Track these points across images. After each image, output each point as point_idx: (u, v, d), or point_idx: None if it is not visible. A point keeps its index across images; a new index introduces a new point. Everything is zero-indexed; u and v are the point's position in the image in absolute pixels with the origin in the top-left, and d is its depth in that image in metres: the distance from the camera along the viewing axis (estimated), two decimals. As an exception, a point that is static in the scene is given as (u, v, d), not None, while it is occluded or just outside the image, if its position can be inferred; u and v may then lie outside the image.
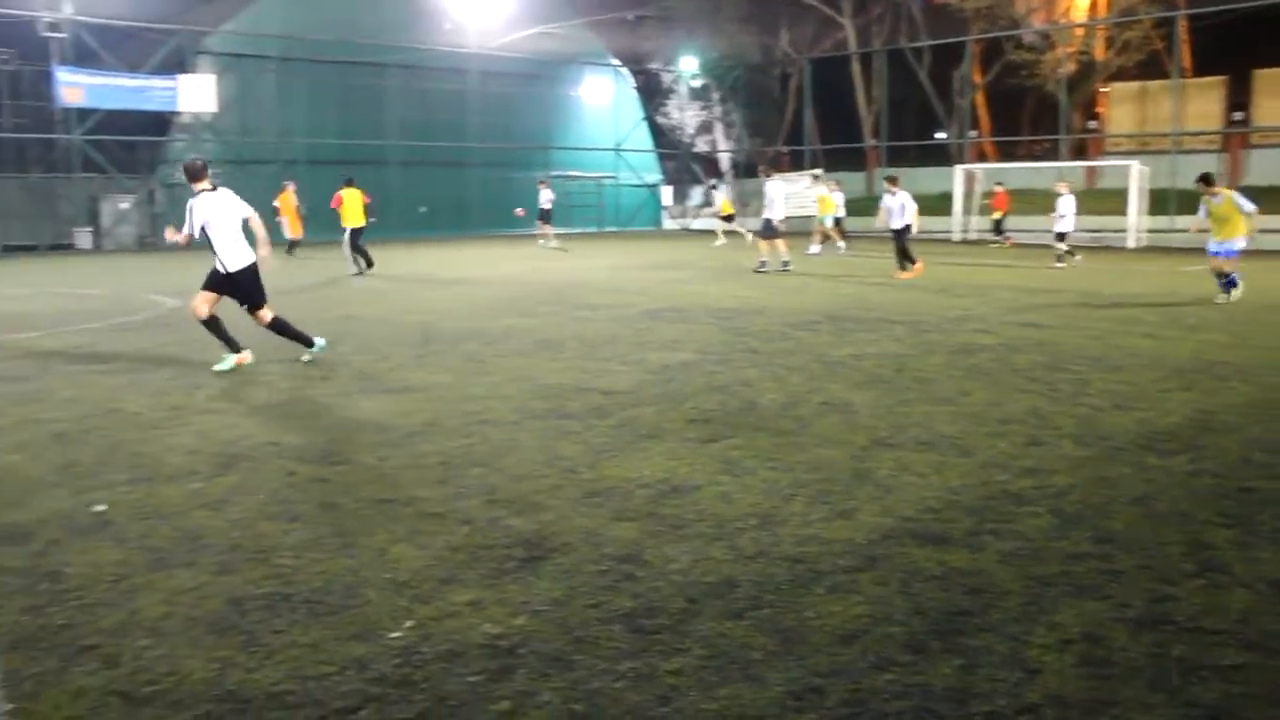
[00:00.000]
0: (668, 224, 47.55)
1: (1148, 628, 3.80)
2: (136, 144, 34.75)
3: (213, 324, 9.60)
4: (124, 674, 3.51)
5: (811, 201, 39.20)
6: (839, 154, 44.29)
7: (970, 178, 34.90)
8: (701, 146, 51.16)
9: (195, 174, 9.58)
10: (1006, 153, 43.94)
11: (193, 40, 34.23)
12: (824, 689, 3.35)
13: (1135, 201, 29.95)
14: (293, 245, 26.15)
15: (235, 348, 9.68)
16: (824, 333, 11.78)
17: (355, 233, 21.08)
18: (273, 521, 5.10)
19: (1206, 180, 14.92)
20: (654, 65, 48.80)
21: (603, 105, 45.21)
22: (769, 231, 20.83)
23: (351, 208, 21.00)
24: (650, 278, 19.97)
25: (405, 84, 38.31)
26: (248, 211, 9.64)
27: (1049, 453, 6.36)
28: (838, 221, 29.37)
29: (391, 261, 25.39)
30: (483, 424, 7.21)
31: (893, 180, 20.07)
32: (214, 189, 9.54)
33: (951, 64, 43.29)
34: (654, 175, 47.65)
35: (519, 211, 30.57)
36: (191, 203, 9.46)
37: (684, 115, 50.33)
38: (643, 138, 47.10)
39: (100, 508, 5.36)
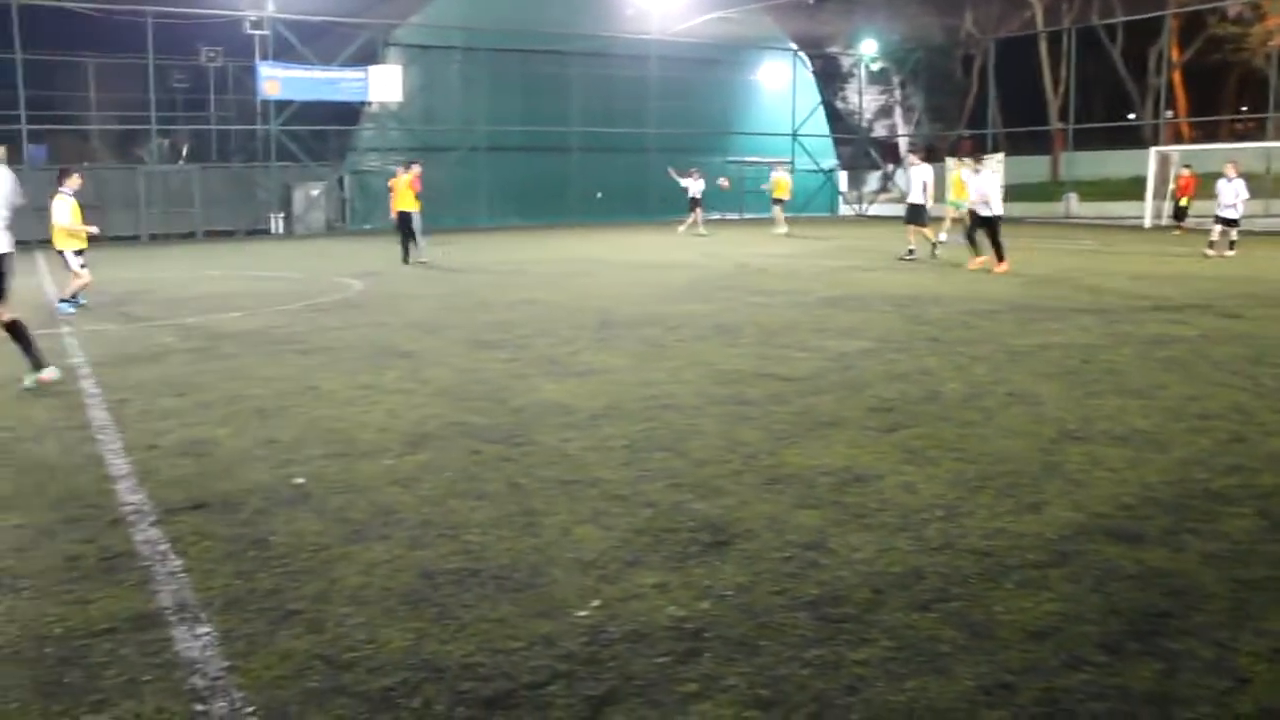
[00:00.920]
0: (844, 210, 46.88)
1: (1367, 639, 3.60)
2: (327, 133, 36.33)
3: None
4: (327, 639, 3.68)
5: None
6: (1023, 137, 42.85)
7: (1165, 160, 33.25)
8: (880, 131, 50.21)
9: None
10: (1207, 133, 41.67)
11: (382, 33, 35.54)
12: (1015, 686, 3.29)
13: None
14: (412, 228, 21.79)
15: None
16: (1006, 321, 11.46)
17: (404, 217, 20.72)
18: (461, 499, 5.27)
19: None
20: (832, 49, 48.10)
21: (780, 90, 44.80)
22: (916, 217, 20.30)
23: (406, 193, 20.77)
24: (827, 264, 19.76)
25: (586, 70, 38.86)
26: (20, 200, 8.42)
27: (1254, 450, 6.04)
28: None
29: (567, 247, 25.82)
30: (664, 408, 7.29)
31: (975, 159, 19.29)
32: None
33: (1148, 41, 41.29)
34: (830, 160, 47.03)
35: (724, 183, 30.79)
36: None
37: (862, 100, 49.51)
38: (820, 123, 46.50)
39: (300, 480, 5.63)
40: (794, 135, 44.99)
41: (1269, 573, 4.18)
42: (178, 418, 7.24)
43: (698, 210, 30.09)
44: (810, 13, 40.16)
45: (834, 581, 4.14)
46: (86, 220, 14.20)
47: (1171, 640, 3.59)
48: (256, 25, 33.13)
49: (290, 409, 7.48)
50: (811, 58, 46.37)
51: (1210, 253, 20.48)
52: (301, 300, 14.69)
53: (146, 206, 32.46)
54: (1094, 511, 4.95)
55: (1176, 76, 42.25)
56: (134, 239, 31.43)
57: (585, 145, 39.17)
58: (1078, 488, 5.33)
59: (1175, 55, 41.78)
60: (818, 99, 46.26)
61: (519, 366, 9.10)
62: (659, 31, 39.64)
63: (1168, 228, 29.44)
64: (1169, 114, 42.30)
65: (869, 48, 47.24)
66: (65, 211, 13.78)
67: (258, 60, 33.43)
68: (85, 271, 13.92)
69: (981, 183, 18.17)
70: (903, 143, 47.86)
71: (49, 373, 8.42)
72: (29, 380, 8.34)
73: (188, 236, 32.52)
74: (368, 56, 35.15)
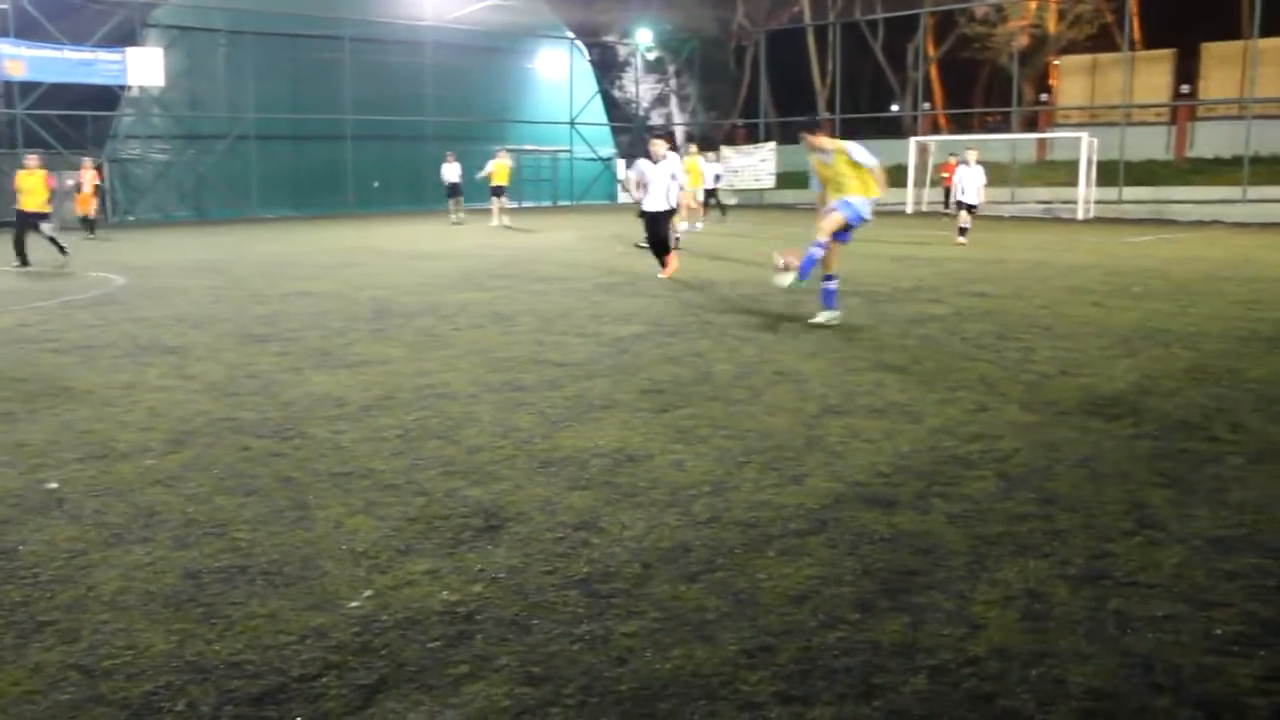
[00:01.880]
0: (622, 198, 47.46)
1: (1086, 583, 3.93)
2: (84, 119, 34.14)
3: None
4: (82, 649, 3.51)
5: (767, 175, 39.25)
6: (794, 127, 44.39)
7: (924, 150, 35.14)
8: (657, 120, 51.06)
9: None
10: (961, 125, 44.29)
11: (140, 13, 33.65)
12: (775, 647, 3.44)
13: (1085, 173, 30.31)
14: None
15: None
16: (776, 304, 11.86)
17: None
18: (229, 496, 5.10)
19: None
20: (609, 38, 48.59)
21: (558, 79, 44.94)
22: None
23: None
24: (604, 251, 19.98)
25: (359, 57, 37.83)
26: None
27: (996, 418, 6.50)
28: (709, 195, 29.12)
29: (344, 237, 25.23)
30: (438, 397, 7.24)
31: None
32: None
33: (906, 37, 43.55)
34: (609, 149, 47.52)
35: (483, 173, 30.75)
36: None
37: (639, 89, 50.21)
38: (598, 111, 46.92)
39: (52, 485, 5.33)
40: (572, 123, 45.22)
41: (1004, 528, 4.51)
42: (-92, 424, 6.69)
43: (501, 198, 29.61)
44: (586, 1, 40.45)
45: (604, 559, 4.22)
46: None
47: (918, 595, 3.83)
48: (-7, 0, 30.77)
49: (41, 411, 7.02)
50: (589, 46, 46.73)
51: (962, 240, 21.67)
52: (58, 297, 13.81)
53: None
54: (852, 480, 5.21)
55: (933, 71, 44.68)
56: None
57: (360, 133, 38.22)
58: (837, 459, 5.60)
59: (931, 50, 44.18)
60: (595, 88, 46.65)
61: (291, 360, 8.84)
62: (434, 18, 39.10)
63: (937, 214, 31.18)
64: (926, 106, 44.73)
65: (645, 37, 47.97)
66: None
67: (-2, 38, 31.07)
68: None
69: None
70: (679, 131, 48.84)
71: None
72: None
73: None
74: (125, 37, 33.19)
